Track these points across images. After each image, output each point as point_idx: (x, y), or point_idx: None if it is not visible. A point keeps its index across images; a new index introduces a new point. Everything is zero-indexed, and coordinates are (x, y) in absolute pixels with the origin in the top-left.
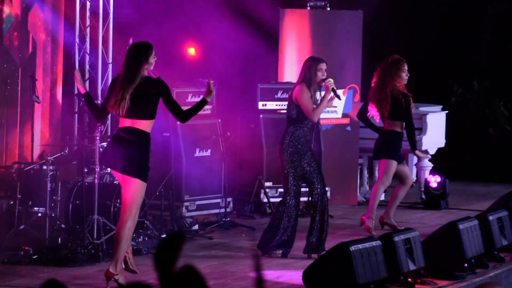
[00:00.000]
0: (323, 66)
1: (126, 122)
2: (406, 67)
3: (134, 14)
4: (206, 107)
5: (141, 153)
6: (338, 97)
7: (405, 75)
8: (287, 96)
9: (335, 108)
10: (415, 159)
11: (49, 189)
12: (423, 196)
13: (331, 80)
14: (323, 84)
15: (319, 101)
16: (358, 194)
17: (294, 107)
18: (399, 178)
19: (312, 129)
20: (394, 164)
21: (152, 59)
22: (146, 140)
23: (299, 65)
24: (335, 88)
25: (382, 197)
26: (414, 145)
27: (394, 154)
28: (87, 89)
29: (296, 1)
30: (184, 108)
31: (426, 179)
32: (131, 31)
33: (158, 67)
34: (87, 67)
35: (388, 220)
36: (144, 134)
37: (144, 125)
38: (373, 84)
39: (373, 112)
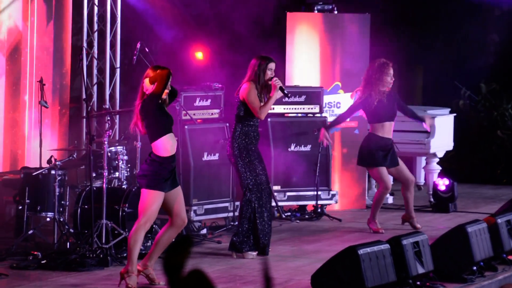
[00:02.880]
0: (272, 65)
1: None
2: (391, 71)
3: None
4: (214, 111)
5: (144, 165)
6: (287, 95)
7: (389, 79)
8: (295, 99)
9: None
10: (423, 163)
11: (57, 193)
12: (432, 199)
13: (278, 79)
14: (270, 82)
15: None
16: (367, 197)
17: (242, 105)
18: (400, 181)
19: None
20: (380, 169)
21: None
22: (156, 164)
23: (306, 68)
24: (282, 86)
25: (390, 201)
26: (420, 118)
27: (374, 161)
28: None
29: (303, 5)
30: (192, 112)
31: (434, 182)
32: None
33: None
34: (95, 71)
35: (412, 220)
36: (155, 158)
37: (153, 149)
38: (360, 88)
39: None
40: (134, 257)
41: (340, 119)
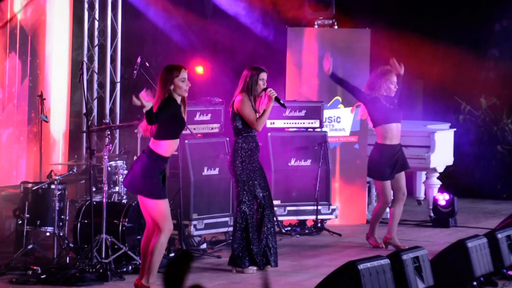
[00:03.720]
0: (264, 75)
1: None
2: (395, 79)
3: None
4: (214, 125)
5: (144, 168)
6: (283, 105)
7: (393, 87)
8: (295, 114)
9: (343, 126)
10: (423, 177)
11: (57, 208)
12: (432, 214)
13: (272, 90)
14: (264, 93)
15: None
16: (367, 212)
17: (238, 117)
18: (392, 189)
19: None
20: (385, 183)
21: (178, 81)
22: (152, 157)
23: (306, 83)
24: (278, 97)
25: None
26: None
27: (381, 175)
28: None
29: (304, 20)
30: (192, 126)
31: (434, 197)
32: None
33: None
34: (95, 86)
35: (392, 241)
36: (152, 152)
37: (153, 143)
38: (366, 90)
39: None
40: (156, 268)
41: (343, 82)
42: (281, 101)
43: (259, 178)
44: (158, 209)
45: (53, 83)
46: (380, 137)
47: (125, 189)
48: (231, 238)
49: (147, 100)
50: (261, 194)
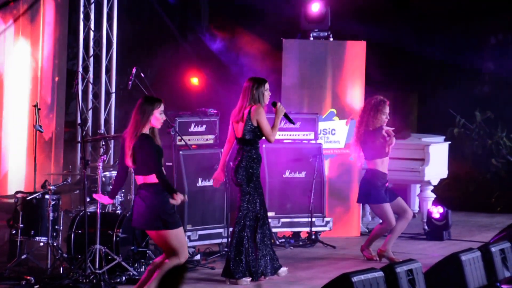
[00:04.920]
0: (268, 85)
1: (138, 180)
2: (387, 110)
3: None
4: (209, 136)
5: (158, 204)
6: (292, 121)
7: (385, 118)
8: (290, 126)
9: (338, 139)
10: (417, 190)
11: (51, 218)
12: (426, 227)
13: (281, 105)
14: (274, 108)
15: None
16: (361, 224)
17: (252, 128)
18: (397, 213)
19: None
20: (386, 206)
21: (157, 113)
22: (160, 189)
23: (301, 95)
24: (286, 113)
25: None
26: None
27: (381, 198)
28: (108, 194)
29: (299, 32)
30: (187, 138)
31: (428, 210)
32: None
33: (162, 96)
34: (90, 96)
35: (386, 253)
36: (155, 184)
37: (146, 179)
38: (357, 125)
39: (355, 153)
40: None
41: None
42: (290, 117)
43: (259, 190)
44: (179, 238)
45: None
46: (374, 165)
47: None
48: (226, 248)
49: (107, 202)
50: (258, 205)
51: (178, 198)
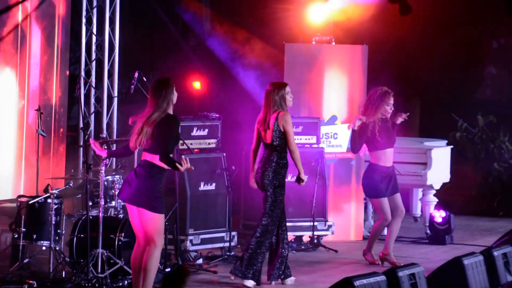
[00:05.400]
0: (289, 88)
1: (144, 156)
2: (391, 101)
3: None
4: (211, 140)
5: (149, 185)
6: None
7: (389, 108)
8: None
9: (340, 143)
10: (420, 194)
11: (53, 222)
12: (428, 231)
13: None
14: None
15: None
16: (363, 228)
17: (280, 134)
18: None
19: None
20: (382, 200)
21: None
22: (156, 172)
23: (303, 99)
24: None
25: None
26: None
27: (377, 193)
28: (104, 148)
29: (301, 36)
30: (189, 142)
31: (430, 214)
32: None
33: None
34: (92, 100)
35: (388, 257)
36: (155, 166)
37: (153, 158)
38: (361, 115)
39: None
40: (152, 284)
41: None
42: None
43: (284, 196)
44: (157, 224)
45: None
46: (375, 159)
47: (121, 203)
48: (228, 253)
49: (99, 152)
50: (281, 211)
51: (184, 165)
